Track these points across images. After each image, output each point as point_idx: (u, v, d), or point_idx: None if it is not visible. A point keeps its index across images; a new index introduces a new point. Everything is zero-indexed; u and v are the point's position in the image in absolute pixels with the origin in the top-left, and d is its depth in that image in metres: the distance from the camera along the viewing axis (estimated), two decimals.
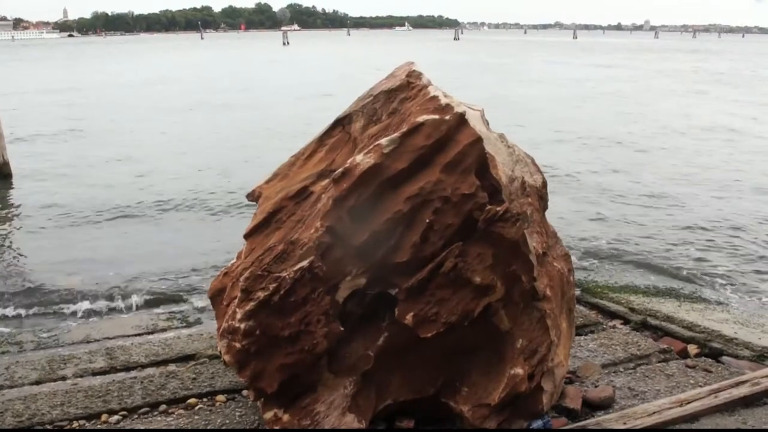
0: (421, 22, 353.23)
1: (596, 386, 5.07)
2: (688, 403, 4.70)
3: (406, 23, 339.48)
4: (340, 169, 4.02)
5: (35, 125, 24.00)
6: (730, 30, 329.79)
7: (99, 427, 4.63)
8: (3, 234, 11.88)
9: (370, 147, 4.06)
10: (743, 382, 5.00)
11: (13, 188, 15.18)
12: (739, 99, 34.26)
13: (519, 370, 4.18)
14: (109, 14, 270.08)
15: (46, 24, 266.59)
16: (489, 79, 44.06)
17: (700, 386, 5.07)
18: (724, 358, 5.76)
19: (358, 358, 4.15)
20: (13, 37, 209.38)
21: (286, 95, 34.60)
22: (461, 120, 4.09)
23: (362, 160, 3.98)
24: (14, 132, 20.54)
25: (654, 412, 4.57)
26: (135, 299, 8.41)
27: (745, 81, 46.69)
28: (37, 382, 5.41)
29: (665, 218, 12.85)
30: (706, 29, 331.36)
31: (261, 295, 3.91)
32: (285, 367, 3.97)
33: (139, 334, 6.96)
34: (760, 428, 4.51)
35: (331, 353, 4.10)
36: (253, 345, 3.93)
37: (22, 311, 8.13)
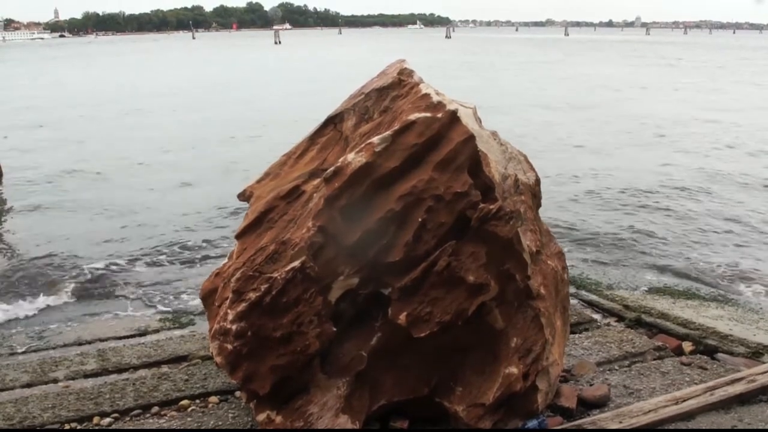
0: (413, 21, 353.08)
1: (591, 385, 5.05)
2: (684, 401, 4.68)
3: (418, 21, 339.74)
4: (332, 168, 3.99)
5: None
6: (722, 26, 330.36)
7: (91, 429, 4.59)
8: None
9: (362, 145, 4.03)
10: (739, 380, 4.99)
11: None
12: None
13: (513, 370, 4.15)
14: (100, 14, 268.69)
15: (37, 25, 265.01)
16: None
17: (696, 384, 5.05)
18: (720, 355, 5.74)
19: (351, 358, 4.12)
20: (3, 38, 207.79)
21: None
22: (453, 118, 4.06)
23: (354, 158, 3.95)
24: None
25: (649, 411, 4.55)
26: (126, 300, 8.37)
27: None
28: (29, 385, 5.36)
29: (658, 215, 12.85)
30: (698, 25, 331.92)
31: (252, 296, 3.87)
32: (277, 369, 3.93)
33: (131, 336, 6.89)
34: (756, 425, 4.49)
35: (324, 354, 4.07)
36: (245, 346, 3.89)
37: (12, 313, 8.05)
